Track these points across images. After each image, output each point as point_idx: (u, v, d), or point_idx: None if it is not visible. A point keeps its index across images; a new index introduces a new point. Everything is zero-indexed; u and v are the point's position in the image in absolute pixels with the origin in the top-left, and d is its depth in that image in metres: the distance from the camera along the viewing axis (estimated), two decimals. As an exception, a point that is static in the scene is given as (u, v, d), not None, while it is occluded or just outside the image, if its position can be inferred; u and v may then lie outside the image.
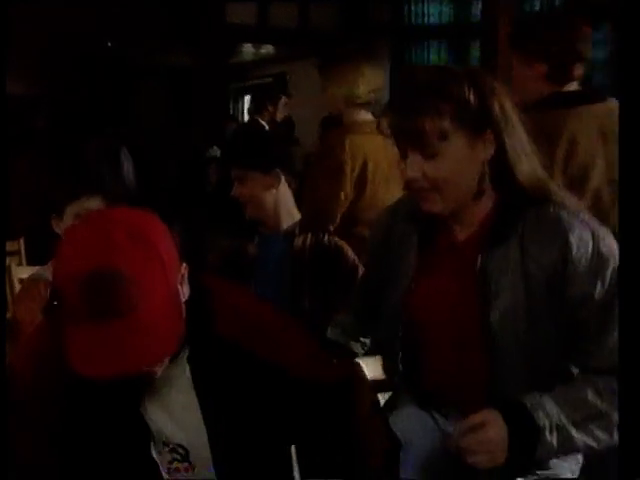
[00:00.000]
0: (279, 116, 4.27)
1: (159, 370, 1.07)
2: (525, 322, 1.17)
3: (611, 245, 1.17)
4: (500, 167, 1.19)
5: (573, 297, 1.15)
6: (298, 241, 1.98)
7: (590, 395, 1.14)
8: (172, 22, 5.85)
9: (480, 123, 1.17)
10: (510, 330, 1.17)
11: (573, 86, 1.90)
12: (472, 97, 1.16)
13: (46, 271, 1.95)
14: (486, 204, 1.23)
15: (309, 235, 1.99)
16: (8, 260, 2.47)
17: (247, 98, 7.36)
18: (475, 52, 4.49)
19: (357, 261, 1.97)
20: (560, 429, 1.12)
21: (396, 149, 1.21)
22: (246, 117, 7.38)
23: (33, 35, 5.49)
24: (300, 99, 5.83)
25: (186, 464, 1.15)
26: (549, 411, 1.12)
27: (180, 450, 1.15)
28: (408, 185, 1.22)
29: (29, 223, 2.96)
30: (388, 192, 2.05)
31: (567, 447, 1.14)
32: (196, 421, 1.13)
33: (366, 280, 1.52)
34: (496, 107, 1.17)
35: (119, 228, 0.99)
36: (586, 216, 1.20)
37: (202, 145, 5.79)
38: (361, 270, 1.91)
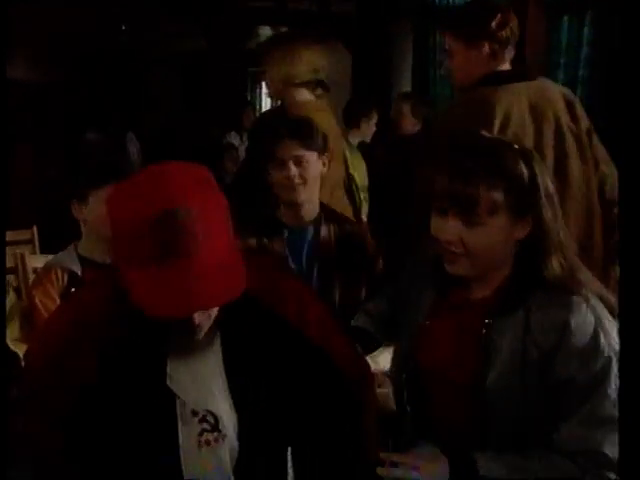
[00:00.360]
0: None
1: (210, 318, 1.07)
2: (517, 392, 1.19)
3: (611, 339, 1.17)
4: (534, 249, 1.22)
5: (558, 377, 1.17)
6: (324, 231, 1.95)
7: (535, 466, 1.17)
8: (187, 5, 5.79)
9: (526, 206, 1.20)
10: (503, 395, 1.20)
11: (506, 66, 2.06)
12: (525, 177, 1.18)
13: (62, 259, 1.99)
14: (506, 270, 1.25)
15: (332, 224, 1.97)
16: (22, 249, 2.46)
17: (264, 83, 7.29)
18: None
19: (377, 247, 1.97)
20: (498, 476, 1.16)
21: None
22: (264, 103, 7.33)
23: (46, 20, 5.46)
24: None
25: (216, 434, 1.14)
26: (491, 464, 1.17)
27: (209, 418, 1.14)
28: (439, 243, 1.23)
29: (42, 211, 2.94)
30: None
31: None
32: (223, 387, 1.14)
33: (392, 293, 1.55)
34: (542, 191, 1.20)
35: (185, 173, 1.01)
36: (598, 305, 1.20)
37: (218, 132, 5.75)
38: (381, 258, 1.95)
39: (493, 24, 1.99)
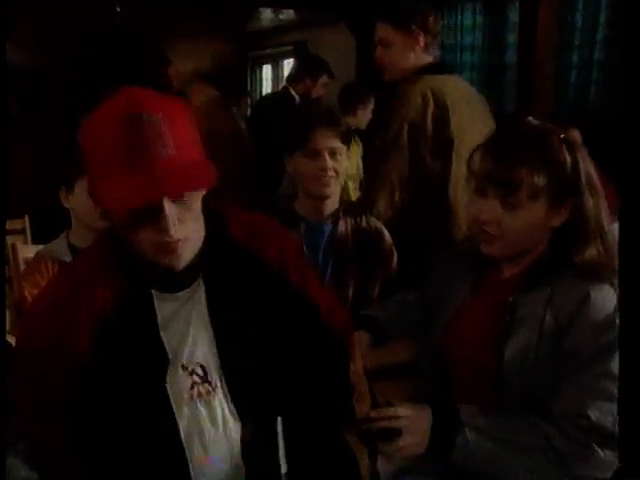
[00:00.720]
0: (315, 93, 4.03)
1: (190, 246, 1.11)
2: (532, 366, 1.22)
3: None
4: (571, 235, 1.23)
5: (568, 348, 1.20)
6: (342, 227, 1.89)
7: (523, 427, 1.19)
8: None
9: (565, 193, 1.21)
10: (518, 370, 1.23)
11: (432, 59, 2.26)
12: (567, 164, 1.20)
13: (52, 248, 1.96)
14: (538, 252, 1.28)
15: (350, 219, 1.91)
16: (13, 239, 2.40)
17: (266, 67, 7.18)
18: (513, 16, 4.23)
19: (393, 245, 1.93)
20: (480, 433, 1.19)
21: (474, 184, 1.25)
22: (264, 87, 7.23)
23: (42, 3, 5.35)
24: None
25: (207, 386, 1.16)
26: (475, 416, 1.21)
27: (198, 370, 1.16)
28: (475, 223, 1.26)
29: (34, 200, 2.89)
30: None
31: (484, 455, 1.19)
32: (209, 339, 1.17)
33: (417, 297, 1.59)
34: (583, 177, 1.21)
35: (146, 88, 1.09)
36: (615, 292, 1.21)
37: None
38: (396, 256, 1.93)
39: (431, 18, 2.17)
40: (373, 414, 1.24)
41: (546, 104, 3.74)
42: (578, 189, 1.22)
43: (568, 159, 1.21)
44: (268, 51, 7.01)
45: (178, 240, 1.08)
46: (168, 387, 1.14)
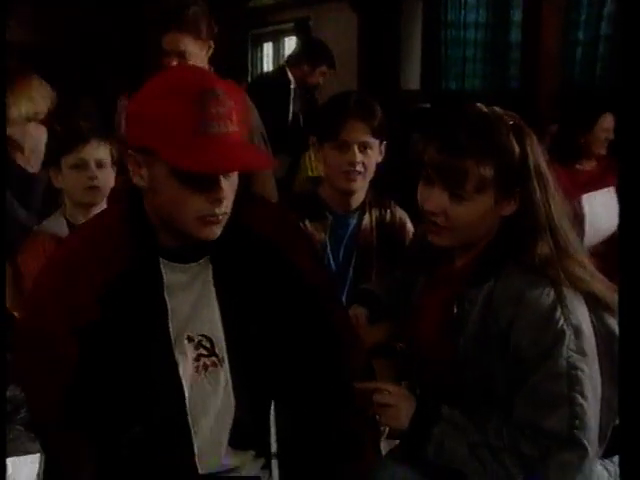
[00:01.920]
0: (310, 81, 3.97)
1: (226, 215, 1.15)
2: (482, 365, 1.21)
3: (570, 316, 1.16)
4: (520, 227, 1.21)
5: (513, 352, 1.18)
6: (366, 220, 1.86)
7: (495, 430, 1.19)
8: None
9: (513, 183, 1.19)
10: (471, 362, 1.23)
11: None
12: (516, 153, 1.18)
13: (49, 224, 1.94)
14: (487, 239, 1.26)
15: (375, 211, 1.87)
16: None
17: (267, 45, 7.12)
18: (517, 14, 4.17)
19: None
20: (456, 429, 1.20)
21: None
22: (265, 65, 7.16)
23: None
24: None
25: (213, 358, 1.18)
26: (454, 414, 1.22)
27: (205, 343, 1.18)
28: (423, 213, 1.25)
29: None
30: None
31: (456, 452, 1.19)
32: (215, 313, 1.19)
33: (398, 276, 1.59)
34: (532, 166, 1.19)
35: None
36: (570, 293, 1.19)
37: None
38: None
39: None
40: (360, 386, 1.26)
41: (551, 82, 3.70)
42: (526, 179, 1.19)
43: (516, 148, 1.18)
44: (269, 28, 6.93)
45: (224, 213, 1.13)
46: (176, 355, 1.16)
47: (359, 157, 1.76)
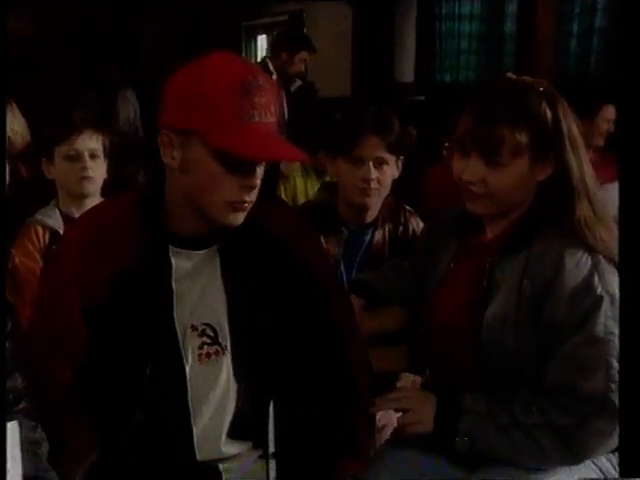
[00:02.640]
0: (291, 69, 3.94)
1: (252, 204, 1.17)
2: (511, 332, 1.21)
3: (607, 284, 1.17)
4: (553, 190, 1.23)
5: (548, 318, 1.19)
6: (379, 235, 1.82)
7: (522, 407, 1.19)
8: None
9: (548, 148, 1.22)
10: (497, 337, 1.22)
11: None
12: (548, 118, 1.21)
13: (43, 216, 1.91)
14: (515, 213, 1.27)
15: (389, 225, 1.84)
16: None
17: (260, 37, 7.09)
18: (511, 6, 4.16)
19: None
20: (482, 417, 1.21)
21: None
22: (259, 58, 7.14)
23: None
24: (318, 40, 5.58)
25: (216, 347, 1.18)
26: (476, 401, 1.22)
27: (209, 331, 1.18)
28: (461, 183, 1.27)
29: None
30: None
31: (486, 438, 1.20)
32: (221, 302, 1.19)
33: (411, 265, 1.59)
34: (565, 130, 1.22)
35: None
36: (603, 260, 1.20)
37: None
38: None
39: None
40: (381, 400, 1.28)
41: (546, 74, 3.71)
42: (560, 142, 1.22)
43: (549, 113, 1.21)
44: (263, 20, 6.91)
45: (251, 202, 1.14)
46: (180, 343, 1.17)
47: (374, 173, 1.71)
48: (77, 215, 1.87)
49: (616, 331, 1.15)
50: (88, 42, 6.21)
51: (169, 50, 6.97)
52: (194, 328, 1.18)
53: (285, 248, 1.23)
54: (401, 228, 1.85)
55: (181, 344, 1.17)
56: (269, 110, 1.12)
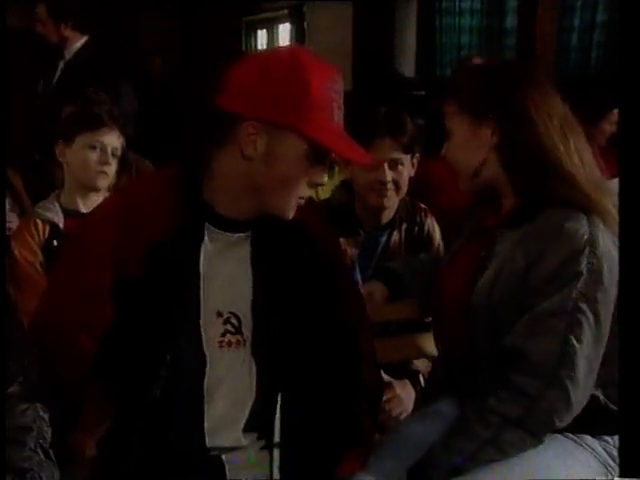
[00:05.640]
0: None
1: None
2: (497, 301, 1.23)
3: (593, 268, 1.17)
4: (508, 155, 1.28)
5: (530, 285, 1.20)
6: (395, 236, 1.84)
7: (476, 427, 1.19)
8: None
9: (481, 110, 1.29)
10: (485, 304, 1.24)
11: None
12: (477, 86, 1.31)
13: (43, 209, 1.92)
14: (514, 200, 1.30)
15: (405, 226, 1.85)
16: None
17: (261, 32, 7.07)
18: (512, 0, 4.15)
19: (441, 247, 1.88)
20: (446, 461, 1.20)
21: None
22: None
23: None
24: (319, 34, 5.57)
25: (238, 337, 1.19)
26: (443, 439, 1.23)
27: (233, 320, 1.19)
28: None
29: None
30: None
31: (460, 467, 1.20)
32: (248, 293, 1.20)
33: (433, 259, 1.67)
34: (502, 98, 1.28)
35: None
36: (600, 226, 1.21)
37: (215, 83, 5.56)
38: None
39: None
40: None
41: (546, 68, 3.70)
42: (497, 109, 1.28)
43: (478, 84, 1.31)
44: (263, 15, 6.89)
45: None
46: (202, 329, 1.17)
47: (389, 175, 1.72)
48: (79, 208, 1.90)
49: (587, 311, 1.15)
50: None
51: (168, 45, 6.97)
52: (219, 314, 1.19)
53: (312, 244, 1.25)
54: (417, 228, 1.86)
55: (202, 328, 1.17)
56: (341, 110, 1.16)
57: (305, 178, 1.15)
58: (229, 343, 1.19)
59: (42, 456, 1.06)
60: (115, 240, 1.15)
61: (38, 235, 1.86)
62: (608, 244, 1.19)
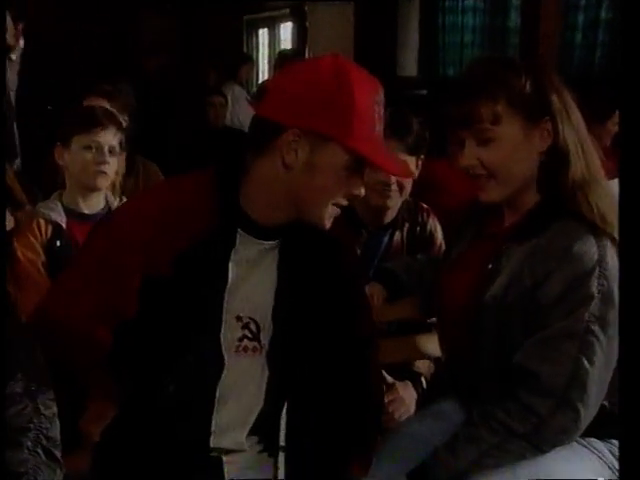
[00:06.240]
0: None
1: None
2: (505, 317, 1.23)
3: (603, 290, 1.17)
4: (554, 161, 1.24)
5: (538, 303, 1.20)
6: (397, 236, 1.83)
7: (482, 432, 1.19)
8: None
9: (537, 110, 1.23)
10: (492, 319, 1.24)
11: None
12: (528, 85, 1.23)
13: (45, 209, 1.90)
14: (533, 198, 1.27)
15: (407, 225, 1.85)
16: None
17: (262, 31, 7.08)
18: (514, 15, 4.15)
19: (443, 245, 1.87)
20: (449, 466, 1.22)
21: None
22: (261, 52, 7.13)
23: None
24: (320, 33, 5.57)
25: (255, 343, 1.20)
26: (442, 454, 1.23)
27: (252, 326, 1.20)
28: (467, 175, 1.28)
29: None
30: None
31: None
32: (270, 300, 1.21)
33: (432, 260, 1.66)
34: (554, 98, 1.23)
35: None
36: (607, 243, 1.20)
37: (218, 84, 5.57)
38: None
39: None
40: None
41: (550, 66, 3.70)
42: (550, 108, 1.23)
43: (527, 80, 1.23)
44: (264, 14, 6.90)
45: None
46: (222, 334, 1.18)
47: (393, 176, 1.70)
48: (81, 208, 1.90)
49: (599, 333, 1.15)
50: (85, 35, 6.20)
51: (168, 44, 6.98)
52: (239, 319, 1.20)
53: (338, 256, 1.26)
54: (419, 228, 1.85)
55: (222, 331, 1.18)
56: (382, 121, 1.18)
57: (343, 189, 1.16)
58: (245, 349, 1.20)
59: (42, 456, 1.04)
60: (148, 241, 1.17)
61: (41, 235, 1.85)
62: (616, 262, 1.18)
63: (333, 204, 1.17)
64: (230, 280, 1.18)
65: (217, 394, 1.18)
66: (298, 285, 1.22)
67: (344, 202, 1.18)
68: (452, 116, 1.25)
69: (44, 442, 1.05)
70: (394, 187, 1.73)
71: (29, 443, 1.03)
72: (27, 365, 1.09)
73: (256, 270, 1.21)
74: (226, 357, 1.18)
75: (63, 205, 1.91)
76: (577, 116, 1.25)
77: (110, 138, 1.89)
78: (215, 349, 1.18)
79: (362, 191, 1.19)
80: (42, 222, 1.86)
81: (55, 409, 1.08)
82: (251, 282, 1.21)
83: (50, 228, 1.86)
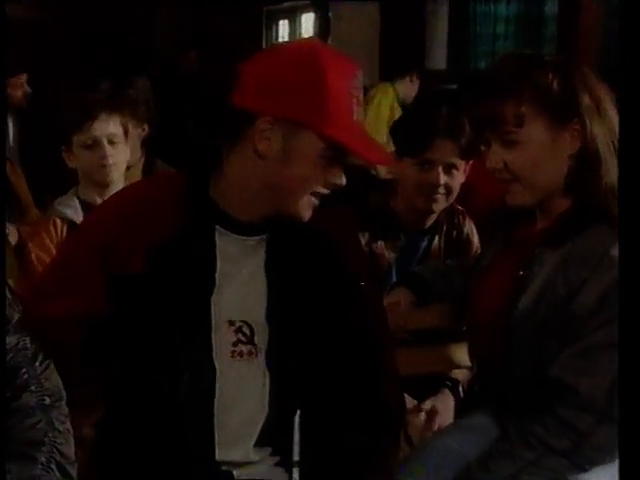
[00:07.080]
0: None
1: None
2: (539, 325, 1.22)
3: None
4: (584, 164, 1.22)
5: (573, 313, 1.19)
6: (435, 241, 1.79)
7: (518, 449, 1.19)
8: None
9: (565, 111, 1.20)
10: (526, 327, 1.23)
11: None
12: (556, 84, 1.20)
13: (61, 206, 1.89)
14: (564, 202, 1.26)
15: (445, 229, 1.81)
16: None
17: (282, 22, 7.05)
18: (551, 3, 4.06)
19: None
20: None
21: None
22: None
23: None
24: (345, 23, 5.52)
25: (250, 347, 1.18)
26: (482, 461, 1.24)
27: (245, 329, 1.18)
28: (495, 178, 1.27)
29: None
30: None
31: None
32: (261, 302, 1.20)
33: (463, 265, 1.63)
34: (585, 97, 1.21)
35: None
36: None
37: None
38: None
39: None
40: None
41: (591, 59, 3.60)
42: (579, 109, 1.20)
43: (555, 79, 1.20)
44: (284, 5, 6.88)
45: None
46: (213, 338, 1.17)
47: (443, 179, 1.66)
48: (98, 202, 1.83)
49: None
50: (98, 27, 6.25)
51: (185, 36, 6.99)
52: (231, 323, 1.18)
53: (332, 251, 1.23)
54: (455, 232, 1.83)
55: (214, 335, 1.17)
56: (361, 106, 1.15)
57: (321, 178, 1.14)
58: (241, 353, 1.18)
59: (56, 472, 1.02)
60: (113, 240, 1.16)
61: (56, 235, 1.83)
62: None
63: (312, 194, 1.15)
64: (214, 280, 1.17)
65: (215, 403, 1.16)
66: (290, 282, 1.20)
67: (324, 191, 1.16)
68: (475, 115, 1.26)
69: (58, 458, 1.03)
70: (442, 190, 1.69)
71: (43, 458, 1.02)
72: (41, 377, 1.08)
73: (243, 269, 1.19)
74: (220, 364, 1.16)
75: (80, 200, 1.90)
76: (612, 115, 1.22)
77: (106, 127, 1.85)
78: (207, 357, 1.16)
79: (343, 180, 1.16)
80: (58, 221, 1.85)
81: (69, 426, 1.07)
82: (239, 281, 1.19)
83: (65, 227, 1.85)
